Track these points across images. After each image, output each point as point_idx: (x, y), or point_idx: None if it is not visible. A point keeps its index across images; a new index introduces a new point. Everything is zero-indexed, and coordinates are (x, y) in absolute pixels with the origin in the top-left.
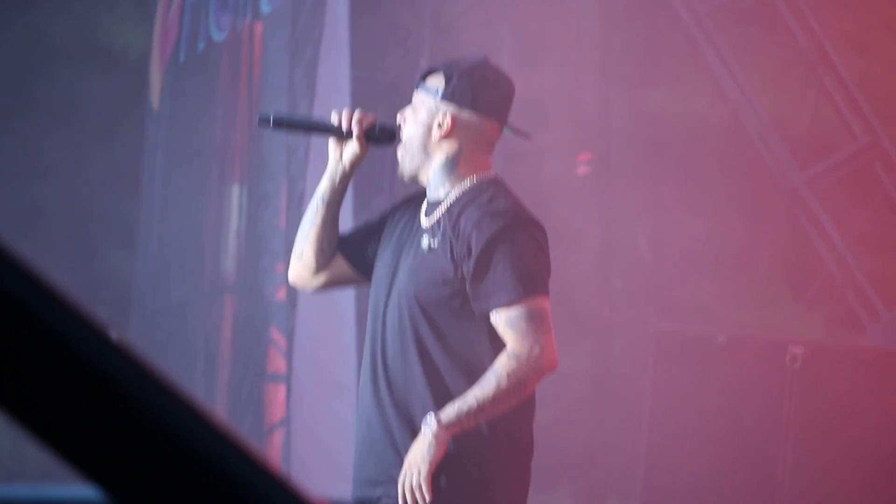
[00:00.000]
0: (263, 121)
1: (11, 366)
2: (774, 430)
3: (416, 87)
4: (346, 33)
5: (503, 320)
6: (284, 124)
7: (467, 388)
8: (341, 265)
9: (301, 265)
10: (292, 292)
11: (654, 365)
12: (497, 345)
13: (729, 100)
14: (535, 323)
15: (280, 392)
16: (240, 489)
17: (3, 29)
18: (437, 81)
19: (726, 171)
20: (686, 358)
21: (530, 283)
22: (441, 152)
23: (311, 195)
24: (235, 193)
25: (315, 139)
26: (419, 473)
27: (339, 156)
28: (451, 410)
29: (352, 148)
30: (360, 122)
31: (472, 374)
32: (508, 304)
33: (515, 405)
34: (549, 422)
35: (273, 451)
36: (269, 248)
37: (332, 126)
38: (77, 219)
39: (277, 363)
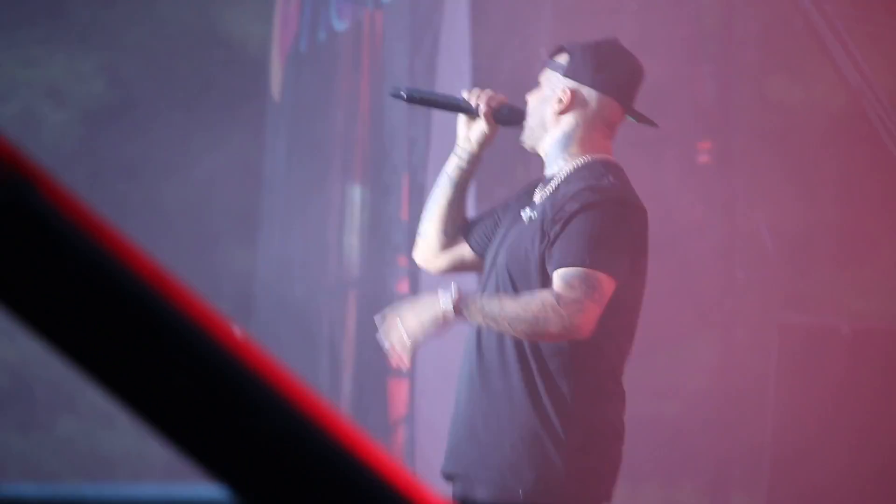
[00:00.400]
0: (396, 94)
1: (138, 365)
2: None
3: (545, 65)
4: (466, 21)
5: (560, 276)
6: (416, 99)
7: (558, 378)
8: (463, 248)
9: (424, 244)
10: (415, 285)
11: (778, 357)
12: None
13: (850, 86)
14: (588, 289)
15: (403, 388)
16: (359, 490)
17: (122, 21)
18: (562, 58)
19: (848, 159)
20: (810, 350)
21: (601, 257)
22: (558, 128)
23: (433, 187)
24: (358, 186)
25: (438, 128)
26: (409, 320)
27: (468, 134)
28: (476, 296)
29: (480, 127)
30: (489, 100)
31: (563, 358)
32: (572, 265)
33: (522, 335)
34: (672, 415)
35: (396, 447)
36: (391, 240)
37: (463, 103)
38: (198, 213)
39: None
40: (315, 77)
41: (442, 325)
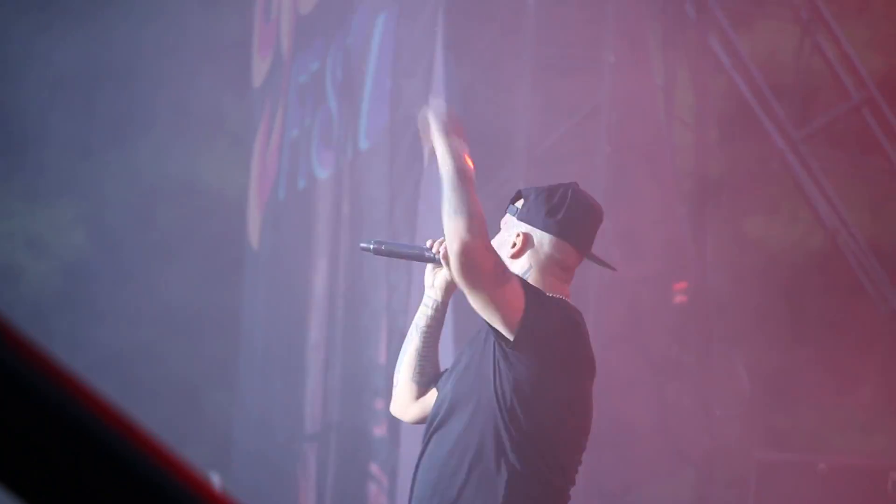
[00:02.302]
0: (364, 248)
1: None
2: None
3: (506, 210)
4: None
5: None
6: (383, 251)
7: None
8: (434, 399)
9: (396, 394)
10: (394, 429)
11: (756, 492)
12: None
13: (826, 225)
14: (497, 259)
15: None
16: None
17: (101, 172)
18: (519, 202)
19: (826, 298)
20: (787, 486)
21: (527, 284)
22: (513, 270)
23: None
24: (337, 330)
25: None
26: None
27: (432, 282)
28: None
29: (444, 275)
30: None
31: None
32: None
33: (448, 198)
34: None
35: None
36: (369, 384)
37: (427, 253)
38: (178, 359)
39: (380, 500)
40: (294, 224)
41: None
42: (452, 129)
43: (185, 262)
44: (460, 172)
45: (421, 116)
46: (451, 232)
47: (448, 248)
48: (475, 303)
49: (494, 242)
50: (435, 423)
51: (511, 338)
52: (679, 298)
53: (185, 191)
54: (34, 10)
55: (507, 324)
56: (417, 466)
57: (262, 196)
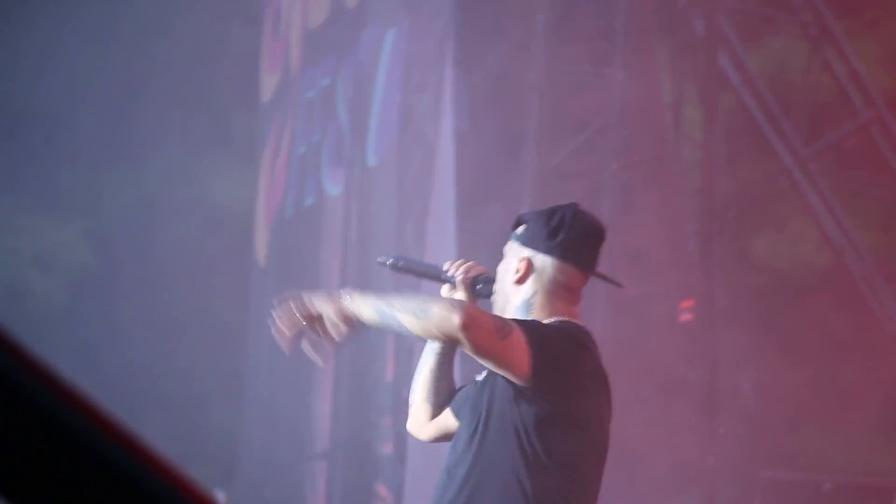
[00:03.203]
0: (382, 262)
1: None
2: None
3: (508, 236)
4: (452, 183)
5: None
6: (400, 267)
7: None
8: (449, 417)
9: (412, 414)
10: (400, 447)
11: None
12: (531, 465)
13: (833, 244)
14: (494, 317)
15: None
16: None
17: (107, 188)
18: (520, 228)
19: (832, 316)
20: None
21: (528, 327)
22: (518, 296)
23: (422, 349)
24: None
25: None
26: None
27: None
28: (371, 294)
29: (458, 297)
30: (466, 271)
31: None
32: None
33: (408, 320)
34: None
35: None
36: (375, 402)
37: (442, 273)
38: (184, 376)
39: None
40: (302, 241)
41: (337, 317)
42: (332, 302)
43: (191, 278)
44: (383, 305)
45: (293, 318)
46: (442, 328)
47: (460, 337)
48: (485, 361)
49: (499, 269)
50: (455, 451)
51: (524, 383)
52: (685, 317)
53: (192, 207)
54: (46, 25)
55: (518, 373)
56: (440, 495)
57: (270, 212)
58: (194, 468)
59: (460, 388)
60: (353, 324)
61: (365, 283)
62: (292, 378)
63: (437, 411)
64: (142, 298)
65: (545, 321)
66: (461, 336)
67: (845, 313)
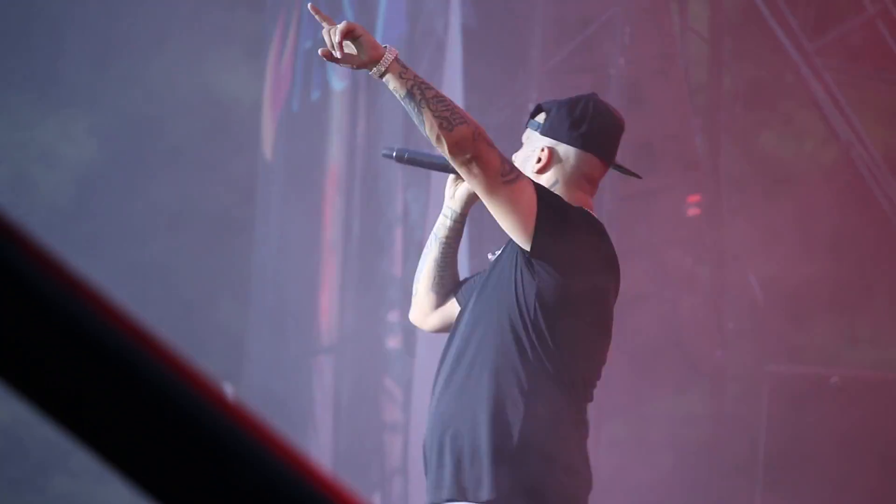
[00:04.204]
0: (386, 154)
1: (122, 427)
2: (893, 470)
3: (526, 125)
4: (459, 78)
5: None
6: (405, 158)
7: (511, 403)
8: (453, 307)
9: (416, 304)
10: (409, 341)
11: (768, 406)
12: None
13: (840, 138)
14: (503, 157)
15: (397, 441)
16: None
17: (114, 83)
18: (540, 117)
19: (839, 211)
20: (800, 399)
21: (544, 188)
22: None
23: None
24: (352, 242)
25: (438, 185)
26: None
27: (453, 193)
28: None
29: (465, 187)
30: None
31: (524, 373)
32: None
33: (428, 113)
34: (667, 467)
35: (393, 499)
36: (385, 296)
37: (448, 163)
38: (191, 270)
39: (394, 413)
40: (308, 135)
41: (369, 51)
42: (372, 44)
43: (199, 173)
44: (418, 89)
45: (331, 45)
46: (451, 144)
47: (452, 158)
48: (491, 206)
49: (517, 158)
50: (456, 336)
51: (529, 242)
52: (692, 211)
53: (199, 101)
54: None
55: (523, 227)
56: (437, 377)
57: (276, 107)
58: (202, 363)
59: (467, 279)
60: (347, 48)
61: (372, 178)
62: (299, 272)
63: (441, 301)
64: (148, 193)
65: None
66: (467, 164)
67: (852, 208)
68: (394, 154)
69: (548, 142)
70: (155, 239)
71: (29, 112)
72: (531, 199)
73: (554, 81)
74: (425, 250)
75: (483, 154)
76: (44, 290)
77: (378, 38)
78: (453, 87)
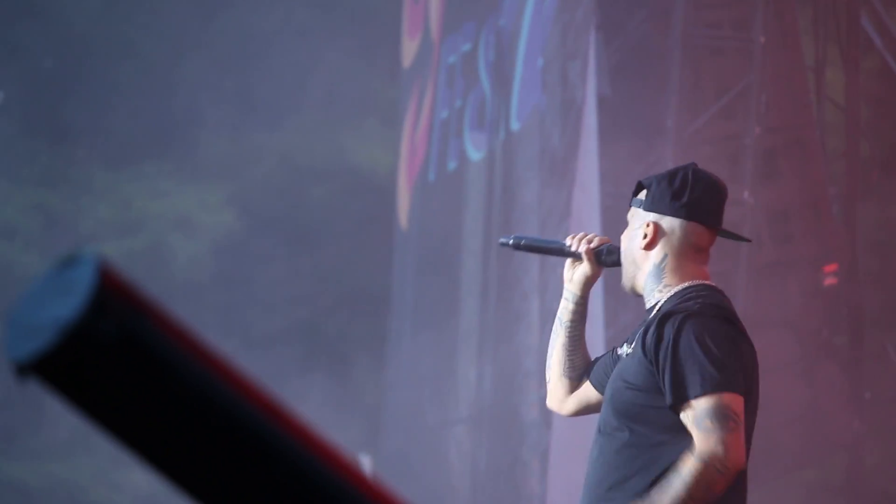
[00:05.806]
0: (504, 243)
1: (254, 499)
2: None
3: (630, 203)
4: (595, 147)
5: (689, 417)
6: (522, 246)
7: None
8: (588, 390)
9: (550, 390)
10: (546, 412)
11: None
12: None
13: None
14: (721, 420)
15: None
16: None
17: (250, 153)
18: (642, 193)
19: None
20: None
21: (718, 377)
22: (648, 262)
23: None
24: (489, 312)
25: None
26: None
27: (571, 277)
28: None
29: (583, 269)
30: (588, 242)
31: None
32: (694, 398)
33: None
34: None
35: None
36: (521, 366)
37: (565, 248)
38: (329, 340)
39: (531, 484)
40: (444, 205)
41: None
42: None
43: (335, 243)
44: None
45: None
46: (728, 481)
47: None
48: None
49: (624, 237)
50: (601, 427)
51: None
52: (829, 281)
53: (335, 171)
54: None
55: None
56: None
57: (411, 177)
58: (338, 434)
59: (598, 359)
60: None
61: (508, 248)
62: (436, 341)
63: (575, 385)
64: (286, 262)
65: (676, 287)
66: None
67: None
68: (511, 242)
69: (652, 217)
70: (293, 308)
71: (167, 182)
72: (740, 404)
73: (689, 150)
74: (552, 336)
75: (728, 452)
76: (178, 366)
77: (513, 109)
78: (589, 157)
